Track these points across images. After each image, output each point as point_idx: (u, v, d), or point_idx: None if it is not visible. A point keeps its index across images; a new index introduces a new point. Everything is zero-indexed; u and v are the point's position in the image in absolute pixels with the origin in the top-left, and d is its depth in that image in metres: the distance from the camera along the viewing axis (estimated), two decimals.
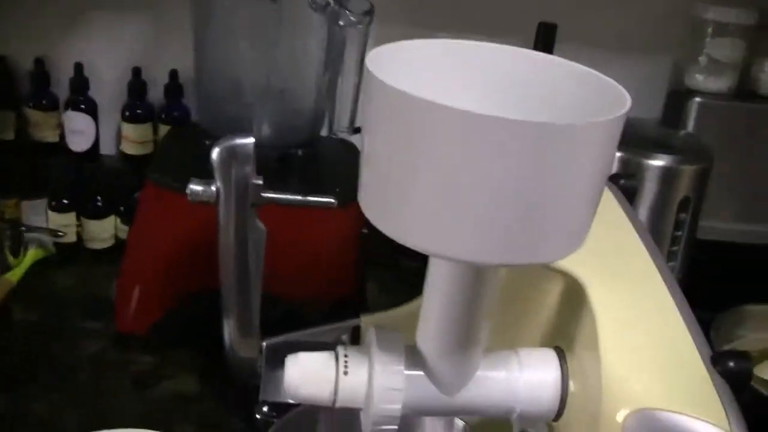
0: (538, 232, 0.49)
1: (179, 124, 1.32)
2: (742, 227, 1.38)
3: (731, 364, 0.58)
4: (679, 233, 1.10)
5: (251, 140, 0.77)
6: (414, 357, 0.62)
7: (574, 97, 0.55)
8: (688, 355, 0.61)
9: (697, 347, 0.62)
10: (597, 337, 0.61)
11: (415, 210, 0.49)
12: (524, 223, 0.48)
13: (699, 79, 1.37)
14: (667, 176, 1.07)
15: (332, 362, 0.62)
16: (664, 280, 0.68)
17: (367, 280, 1.16)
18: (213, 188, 0.78)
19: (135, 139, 1.33)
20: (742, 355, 0.59)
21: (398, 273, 1.19)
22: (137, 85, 1.33)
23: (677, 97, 1.37)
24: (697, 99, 1.33)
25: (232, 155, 0.78)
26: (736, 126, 1.36)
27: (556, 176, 0.47)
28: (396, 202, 0.50)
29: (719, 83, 1.37)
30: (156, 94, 1.36)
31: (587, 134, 0.47)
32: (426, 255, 0.53)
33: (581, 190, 0.50)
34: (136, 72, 1.33)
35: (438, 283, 0.58)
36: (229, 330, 0.85)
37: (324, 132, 1.07)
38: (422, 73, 0.56)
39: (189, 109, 1.34)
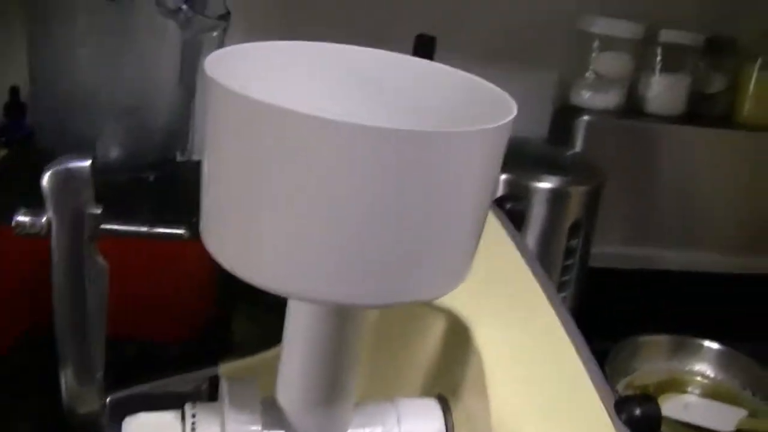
0: (411, 266, 0.43)
1: (22, 147, 1.21)
2: (632, 251, 1.36)
3: (637, 411, 0.53)
4: (570, 261, 1.06)
5: (88, 163, 0.69)
6: (273, 414, 0.55)
7: (454, 105, 0.49)
8: (587, 399, 0.56)
9: (597, 390, 0.57)
10: (484, 382, 0.56)
11: (262, 242, 0.42)
12: (394, 256, 0.42)
13: (585, 96, 1.35)
14: (556, 199, 1.03)
15: (177, 423, 0.55)
16: (557, 314, 0.64)
17: (234, 316, 1.08)
18: (43, 220, 0.70)
19: None
20: (648, 399, 0.54)
21: (270, 306, 1.11)
22: None
23: (564, 115, 1.35)
24: (585, 117, 1.30)
25: (66, 181, 0.69)
26: (624, 145, 1.34)
27: (430, 196, 0.41)
28: (239, 232, 0.43)
29: (606, 100, 1.35)
30: None
31: (467, 144, 0.41)
32: None
33: (462, 214, 0.44)
34: None
35: (297, 327, 0.52)
36: (65, 380, 0.76)
37: (179, 154, 1.00)
38: (274, 79, 0.49)
39: (34, 130, 1.24)
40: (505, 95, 0.47)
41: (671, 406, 1.06)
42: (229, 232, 0.44)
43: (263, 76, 0.49)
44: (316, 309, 0.50)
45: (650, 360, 1.16)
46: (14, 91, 1.23)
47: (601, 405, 0.55)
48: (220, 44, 0.85)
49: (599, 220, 1.14)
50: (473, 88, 0.50)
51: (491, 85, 0.49)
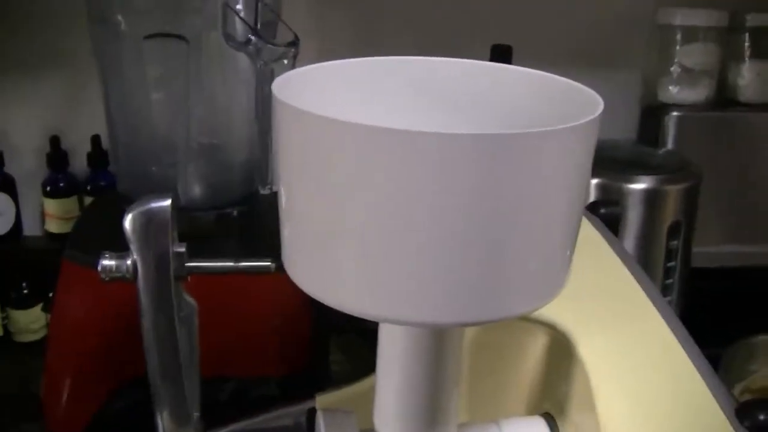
0: (504, 279, 0.41)
1: (107, 195, 1.23)
2: (735, 249, 1.31)
3: (762, 417, 0.50)
4: (672, 263, 1.02)
5: (168, 202, 0.70)
6: None
7: (535, 107, 0.47)
8: (705, 407, 0.53)
9: (715, 397, 0.54)
10: (592, 397, 0.54)
11: (347, 266, 0.41)
12: (486, 270, 0.40)
13: (673, 92, 1.31)
14: (653, 199, 1.00)
15: None
16: (664, 319, 0.60)
17: (330, 350, 1.07)
18: (129, 262, 0.70)
19: (59, 216, 1.25)
20: None
21: (365, 338, 1.11)
22: (57, 155, 1.25)
23: (652, 113, 1.31)
24: (675, 113, 1.27)
25: (147, 221, 0.70)
26: (718, 138, 1.30)
27: (520, 203, 0.39)
28: (322, 257, 0.42)
29: (695, 94, 1.31)
30: (79, 164, 1.27)
31: (555, 144, 0.39)
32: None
33: (554, 220, 0.42)
34: (55, 141, 1.25)
35: (391, 352, 0.51)
36: (162, 425, 0.76)
37: (261, 188, 1.00)
38: (346, 97, 0.48)
39: (116, 178, 1.26)
40: (590, 91, 0.46)
41: None
42: (312, 258, 0.43)
43: (334, 95, 0.48)
44: (408, 331, 0.48)
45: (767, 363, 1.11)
46: (96, 140, 1.24)
47: (721, 413, 0.52)
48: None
49: (699, 219, 1.10)
50: (554, 88, 0.48)
51: (572, 82, 0.48)
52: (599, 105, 0.43)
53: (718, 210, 1.27)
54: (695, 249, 1.13)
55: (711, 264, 1.25)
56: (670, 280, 1.05)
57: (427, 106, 0.50)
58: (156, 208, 0.70)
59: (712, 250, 1.26)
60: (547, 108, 0.48)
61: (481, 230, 0.39)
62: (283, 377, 0.96)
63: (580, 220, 0.45)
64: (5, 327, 1.21)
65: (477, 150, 0.37)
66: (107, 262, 0.71)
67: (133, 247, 0.70)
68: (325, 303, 0.43)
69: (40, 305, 1.22)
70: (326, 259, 0.42)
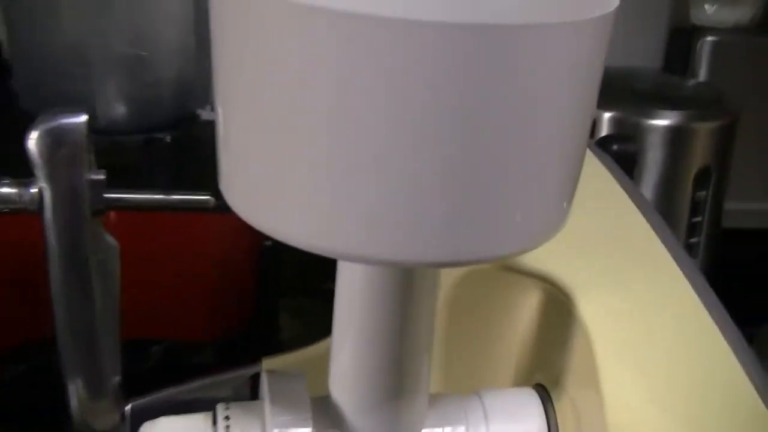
0: (484, 208, 0.42)
1: (4, 111, 1.24)
2: None
3: None
4: (699, 219, 1.04)
5: (83, 118, 0.71)
6: (327, 413, 0.56)
7: None
8: (732, 381, 0.55)
9: (747, 374, 0.55)
10: (595, 369, 0.55)
11: (300, 189, 0.42)
12: (463, 195, 0.41)
13: (709, 12, 1.33)
14: (678, 139, 1.02)
15: (208, 428, 0.56)
16: (687, 277, 0.62)
17: (279, 312, 1.09)
18: (33, 190, 0.71)
19: None
20: None
21: (320, 299, 1.13)
22: None
23: (682, 37, 1.33)
24: (709, 38, 1.29)
25: (57, 140, 0.71)
26: (762, 70, 1.31)
27: (508, 111, 0.40)
28: (270, 178, 0.43)
29: (735, 15, 1.33)
30: None
31: (555, 41, 0.40)
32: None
33: (550, 136, 0.42)
34: None
35: (349, 302, 0.52)
36: (75, 393, 0.78)
37: (202, 112, 1.01)
38: None
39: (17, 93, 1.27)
40: None
41: None
42: (258, 179, 0.43)
43: None
44: (369, 273, 0.50)
45: None
46: None
47: (750, 385, 0.54)
48: None
49: (734, 167, 1.12)
50: None
51: None
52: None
53: (758, 157, 1.29)
54: (728, 205, 1.15)
55: (746, 224, 1.28)
56: (695, 239, 1.07)
57: None
58: (68, 124, 0.70)
59: (749, 207, 1.29)
60: None
61: (461, 143, 0.40)
62: (222, 342, 0.99)
63: (584, 146, 0.46)
64: None
65: (466, 43, 0.38)
66: (7, 189, 0.71)
67: (39, 172, 0.71)
68: (272, 235, 0.44)
69: None
70: (274, 181, 0.43)
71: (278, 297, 1.10)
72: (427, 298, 0.51)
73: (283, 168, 0.42)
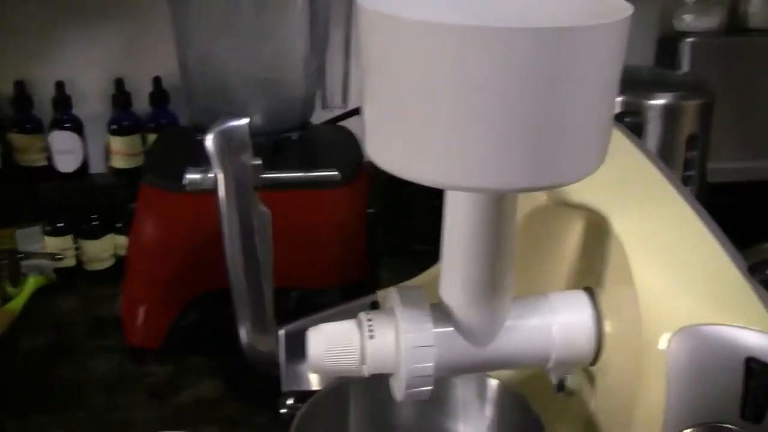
0: (556, 148, 0.47)
1: (170, 131, 1.29)
2: (748, 165, 1.36)
3: None
4: (691, 173, 1.08)
5: (245, 121, 0.77)
6: (441, 312, 0.60)
7: (570, 8, 0.53)
8: (724, 269, 0.59)
9: (732, 260, 0.60)
10: (628, 267, 0.59)
11: (419, 141, 0.47)
12: (541, 140, 0.47)
13: (688, 20, 1.36)
14: (671, 114, 1.05)
15: (356, 329, 0.60)
16: (688, 202, 0.66)
17: (380, 269, 1.13)
18: (211, 175, 0.77)
19: (124, 152, 1.31)
20: None
21: (412, 260, 1.16)
22: (121, 96, 1.31)
23: (668, 41, 1.36)
24: (689, 39, 1.31)
25: (227, 138, 0.76)
26: (731, 63, 1.34)
27: (569, 87, 0.46)
28: (398, 136, 0.49)
29: (709, 21, 1.36)
30: (141, 104, 1.33)
31: (599, 36, 0.46)
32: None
33: (595, 102, 0.48)
34: (119, 83, 1.30)
35: (455, 223, 0.57)
36: (244, 326, 0.83)
37: (318, 110, 1.05)
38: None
39: (176, 116, 1.32)
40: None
41: None
42: (390, 138, 0.49)
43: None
44: (472, 200, 0.54)
45: None
46: (157, 81, 1.30)
47: (737, 270, 0.58)
48: (349, 7, 0.89)
49: (714, 136, 1.14)
50: None
51: None
52: (628, 8, 0.49)
53: (732, 129, 1.32)
54: (711, 165, 1.17)
55: (722, 179, 1.30)
56: (689, 189, 1.09)
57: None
58: (235, 126, 0.76)
59: (723, 166, 1.30)
60: (579, 10, 0.53)
61: (535, 111, 0.46)
62: (343, 287, 1.02)
63: (613, 111, 0.51)
64: (78, 257, 1.26)
65: (540, 41, 0.44)
66: (192, 175, 0.77)
67: (214, 161, 0.77)
68: (401, 176, 0.49)
69: (110, 235, 1.26)
70: (401, 137, 0.48)
71: (381, 255, 1.12)
72: (511, 222, 0.56)
73: (417, 132, 0.48)
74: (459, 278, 0.58)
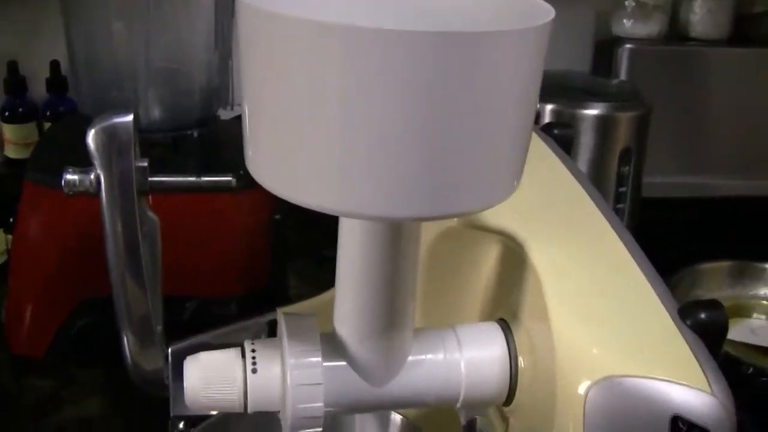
0: (456, 174, 0.42)
1: (67, 119, 1.22)
2: (686, 180, 1.34)
3: (703, 315, 0.52)
4: (623, 189, 1.04)
5: (130, 117, 0.70)
6: (333, 345, 0.56)
7: (486, 11, 0.48)
8: (651, 310, 0.55)
9: (660, 298, 0.55)
10: (544, 302, 0.55)
11: (305, 160, 0.42)
12: (439, 164, 0.42)
13: (627, 25, 1.32)
14: (605, 125, 1.02)
15: (238, 360, 0.55)
16: (615, 231, 0.62)
17: (287, 274, 1.08)
18: (92, 176, 0.71)
19: (17, 141, 1.24)
20: (714, 305, 0.52)
21: (323, 264, 1.12)
22: (14, 80, 1.24)
23: (606, 47, 1.32)
24: (628, 45, 1.29)
25: (110, 136, 0.70)
26: (670, 72, 1.32)
27: (473, 101, 0.41)
28: (284, 153, 0.43)
29: (648, 28, 1.33)
30: (38, 90, 1.26)
31: (509, 44, 0.41)
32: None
33: (505, 120, 0.43)
34: (12, 66, 1.24)
35: (350, 250, 0.52)
36: (127, 340, 0.77)
37: (222, 110, 1.00)
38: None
39: (76, 103, 1.25)
40: (542, 3, 0.47)
41: (738, 331, 1.04)
42: (275, 155, 0.44)
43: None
44: (366, 226, 0.49)
45: (712, 288, 1.13)
46: (55, 65, 1.23)
47: (666, 312, 0.54)
48: None
49: (650, 150, 1.11)
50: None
51: None
52: (550, 12, 0.44)
53: (669, 141, 1.29)
54: (646, 180, 1.15)
55: (661, 194, 1.27)
56: (621, 205, 1.06)
57: (373, 5, 0.51)
58: (118, 123, 0.70)
59: (663, 180, 1.28)
60: (497, 13, 0.48)
61: (435, 126, 0.40)
62: (243, 297, 0.98)
63: (530, 127, 0.46)
64: None
65: (440, 47, 0.38)
66: (71, 176, 0.71)
67: (96, 162, 0.71)
68: (288, 199, 0.44)
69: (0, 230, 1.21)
70: (288, 156, 0.43)
71: (286, 261, 1.09)
72: (412, 250, 0.51)
73: (299, 148, 0.42)
74: (353, 308, 0.54)
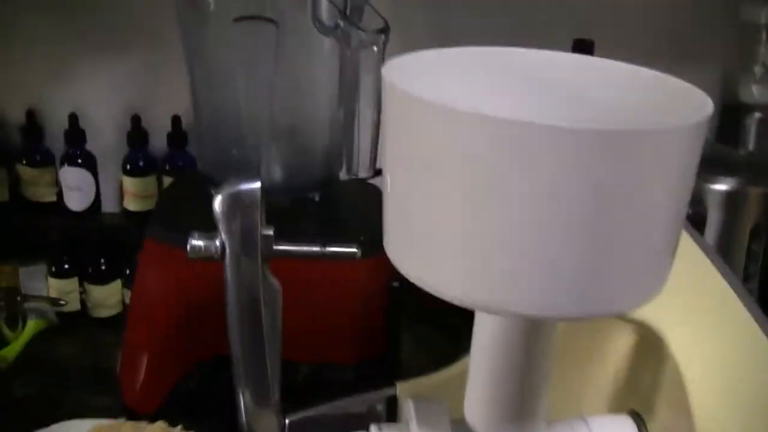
0: (606, 274, 0.41)
1: (187, 175, 1.24)
2: None
3: None
4: (753, 268, 1.00)
5: (258, 185, 0.70)
6: None
7: (640, 104, 0.46)
8: None
9: None
10: (684, 394, 0.53)
11: (447, 251, 0.41)
12: (589, 265, 0.40)
13: (755, 92, 1.28)
14: (734, 202, 0.98)
15: None
16: (751, 314, 0.59)
17: (403, 340, 1.07)
18: (217, 242, 0.71)
19: (138, 194, 1.26)
20: None
21: (440, 330, 1.10)
22: (137, 133, 1.26)
23: (733, 114, 1.28)
24: (757, 115, 1.23)
25: (236, 203, 0.71)
26: None
27: (627, 201, 0.39)
28: (423, 242, 0.42)
29: None
30: (159, 143, 1.28)
31: (665, 143, 0.39)
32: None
33: (660, 218, 0.42)
34: (136, 120, 1.25)
35: (487, 344, 0.50)
36: (244, 403, 0.77)
37: (342, 173, 0.99)
38: (452, 84, 0.47)
39: (195, 157, 1.26)
40: (696, 90, 0.45)
41: None
42: (414, 243, 0.43)
43: (438, 82, 0.47)
44: (506, 322, 0.48)
45: None
46: (176, 120, 1.25)
47: None
48: (381, 58, 0.83)
49: None
50: (657, 85, 0.48)
51: (679, 81, 0.47)
52: (708, 105, 0.43)
53: None
54: None
55: None
56: (750, 285, 1.02)
57: (530, 97, 0.50)
58: (245, 190, 0.70)
59: None
60: (651, 104, 0.47)
61: (588, 225, 0.39)
62: (358, 364, 0.97)
63: (683, 221, 0.45)
64: (82, 301, 1.22)
65: (596, 144, 0.37)
66: (196, 242, 0.71)
67: (221, 228, 0.71)
68: (426, 289, 0.43)
69: (117, 281, 1.22)
70: (428, 245, 0.42)
71: (403, 328, 1.07)
72: (550, 343, 0.50)
73: (438, 237, 0.41)
74: (485, 402, 0.52)
